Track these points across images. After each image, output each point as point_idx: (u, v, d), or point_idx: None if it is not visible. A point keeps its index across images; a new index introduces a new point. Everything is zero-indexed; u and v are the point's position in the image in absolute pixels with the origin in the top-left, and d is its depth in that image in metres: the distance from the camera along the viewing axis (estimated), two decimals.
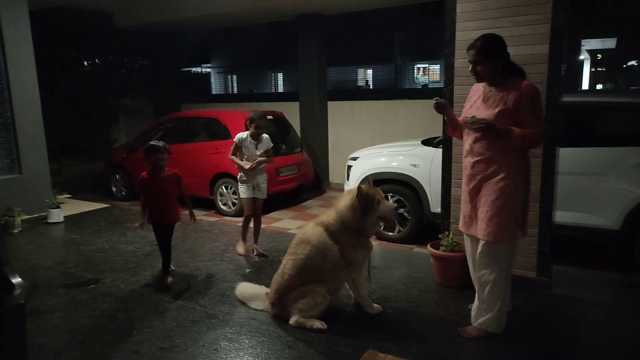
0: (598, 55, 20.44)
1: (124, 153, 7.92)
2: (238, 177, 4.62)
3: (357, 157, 5.83)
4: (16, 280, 2.24)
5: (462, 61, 3.65)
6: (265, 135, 4.54)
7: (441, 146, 4.14)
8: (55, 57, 8.91)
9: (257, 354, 2.85)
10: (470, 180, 2.94)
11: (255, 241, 4.70)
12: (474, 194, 2.93)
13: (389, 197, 5.26)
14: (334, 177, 8.95)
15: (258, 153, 4.50)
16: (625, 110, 4.50)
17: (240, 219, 6.45)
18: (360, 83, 23.31)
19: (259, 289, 3.54)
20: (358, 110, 8.69)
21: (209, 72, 26.26)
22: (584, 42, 13.68)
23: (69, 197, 6.96)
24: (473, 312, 3.05)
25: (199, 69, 24.99)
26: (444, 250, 3.77)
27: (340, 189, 7.95)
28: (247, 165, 4.45)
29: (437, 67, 22.48)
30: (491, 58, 2.80)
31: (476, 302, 3.03)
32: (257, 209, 4.64)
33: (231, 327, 3.18)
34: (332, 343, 2.94)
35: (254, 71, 25.91)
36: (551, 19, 3.41)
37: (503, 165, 2.80)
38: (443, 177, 4.04)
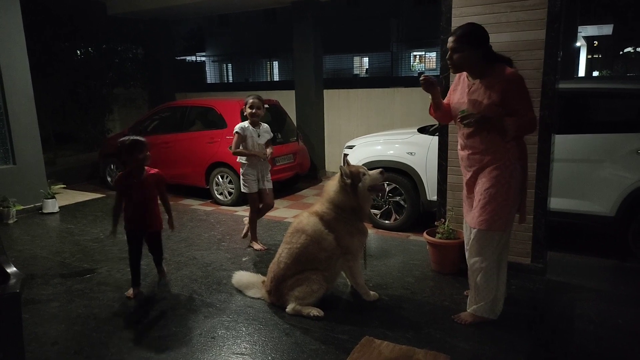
0: (594, 42, 20.40)
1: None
2: (241, 171, 4.42)
3: (354, 146, 5.82)
4: (11, 269, 2.24)
5: None
6: (264, 125, 4.41)
7: (437, 134, 4.13)
8: (48, 46, 8.81)
9: (255, 341, 2.86)
10: (467, 172, 2.94)
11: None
12: (472, 184, 2.94)
13: (385, 185, 5.26)
14: (330, 166, 8.95)
15: (262, 142, 4.34)
16: (620, 97, 4.49)
17: (237, 208, 6.47)
18: (357, 71, 23.20)
19: (256, 277, 3.56)
20: (354, 99, 8.65)
21: (204, 61, 26.07)
22: (580, 28, 13.63)
23: (64, 187, 6.93)
24: (468, 299, 3.08)
25: (193, 58, 24.78)
26: (440, 238, 3.78)
27: None
28: (262, 153, 4.27)
29: (433, 54, 22.40)
30: (470, 46, 2.71)
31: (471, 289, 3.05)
32: (270, 199, 4.48)
33: (228, 315, 3.19)
34: (328, 330, 2.95)
35: (249, 60, 25.74)
36: (548, 5, 3.38)
37: (497, 155, 2.78)
38: (439, 165, 4.04)
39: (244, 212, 6.23)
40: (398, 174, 5.19)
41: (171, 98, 10.17)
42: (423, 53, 23.24)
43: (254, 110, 4.29)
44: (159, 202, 3.56)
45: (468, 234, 3.16)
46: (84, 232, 5.14)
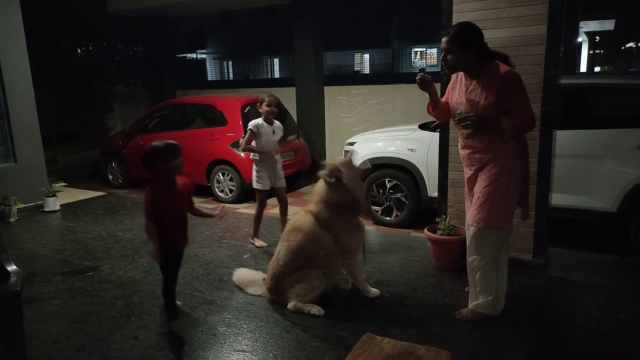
0: (596, 37, 20.32)
1: (120, 141, 7.87)
2: (254, 168, 4.38)
3: (355, 142, 5.81)
4: (12, 267, 2.25)
5: None
6: (277, 122, 4.41)
7: (438, 130, 4.12)
8: (48, 44, 8.80)
9: (256, 338, 2.86)
10: (469, 170, 2.94)
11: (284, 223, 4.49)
12: (472, 182, 2.93)
13: (386, 181, 5.26)
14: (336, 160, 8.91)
15: (276, 139, 4.34)
16: (622, 92, 4.47)
17: (238, 205, 6.47)
18: (357, 68, 23.15)
19: (256, 275, 3.56)
20: (355, 95, 8.63)
21: (205, 58, 26.04)
22: (582, 24, 13.57)
23: (65, 186, 6.94)
24: (469, 295, 3.07)
25: (194, 55, 24.76)
26: (440, 234, 3.78)
27: None
28: (275, 150, 4.31)
29: (434, 50, 22.32)
30: (463, 48, 2.68)
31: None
32: (284, 194, 4.52)
33: (229, 312, 3.19)
34: (329, 327, 2.95)
35: (250, 57, 25.71)
36: (549, 0, 3.36)
37: (497, 153, 2.76)
38: (440, 161, 4.03)
39: (245, 209, 6.24)
40: (399, 170, 5.19)
41: (172, 95, 10.16)
42: (424, 49, 23.16)
43: (271, 108, 4.31)
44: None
45: (469, 231, 3.15)
46: (86, 230, 5.15)
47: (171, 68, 11.19)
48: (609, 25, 16.52)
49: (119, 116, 10.84)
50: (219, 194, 6.79)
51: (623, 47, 19.79)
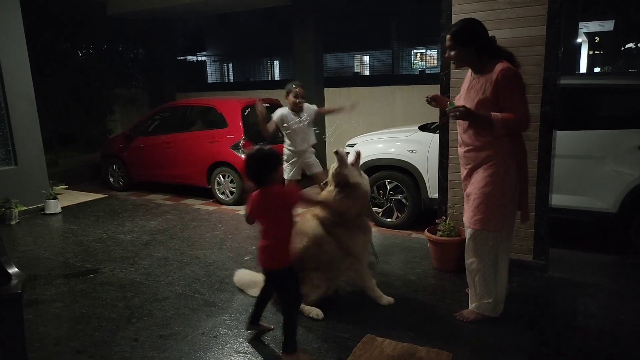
0: (596, 37, 20.32)
1: (121, 143, 7.88)
2: (285, 156, 4.43)
3: (355, 144, 5.80)
4: (13, 270, 2.25)
5: None
6: (306, 105, 4.43)
7: (438, 131, 4.12)
8: (49, 47, 8.82)
9: (257, 340, 2.86)
10: (464, 169, 2.95)
11: None
12: (467, 181, 2.94)
13: (387, 183, 5.26)
14: (331, 164, 8.92)
15: (306, 122, 4.36)
16: (622, 92, 4.47)
17: (239, 207, 6.46)
18: (357, 69, 23.15)
19: (258, 276, 3.54)
20: (355, 97, 8.64)
21: (205, 61, 26.04)
22: (581, 24, 13.57)
23: (66, 188, 6.95)
24: (470, 297, 3.07)
25: (194, 58, 24.77)
26: (441, 235, 3.78)
27: None
28: (297, 148, 4.36)
29: (434, 52, 22.31)
30: (464, 44, 2.73)
31: None
32: (320, 180, 4.19)
33: (230, 314, 3.19)
34: (330, 328, 2.96)
35: (250, 59, 25.71)
36: (548, 0, 3.37)
37: (492, 152, 2.76)
38: (440, 162, 4.04)
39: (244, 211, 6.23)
40: (399, 171, 5.19)
41: (172, 98, 10.17)
42: (424, 51, 23.15)
43: (297, 99, 4.35)
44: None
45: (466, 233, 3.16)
46: (87, 233, 5.15)
47: (171, 70, 11.21)
48: (608, 25, 16.51)
49: (120, 118, 10.86)
50: (220, 196, 6.80)
51: (623, 48, 19.77)
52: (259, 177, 2.54)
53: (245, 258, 4.27)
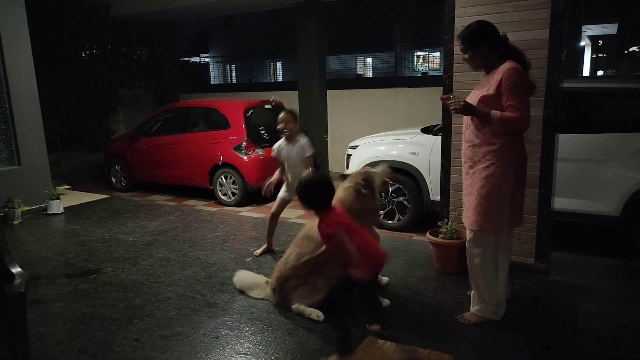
0: (599, 41, 20.30)
1: (124, 144, 7.90)
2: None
3: (357, 146, 5.81)
4: (16, 270, 2.26)
5: None
6: (301, 141, 4.03)
7: (441, 134, 4.13)
8: (53, 48, 8.86)
9: (258, 341, 2.87)
10: (465, 166, 2.96)
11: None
12: (466, 179, 2.95)
13: (389, 185, 5.26)
14: (333, 166, 8.95)
15: (297, 160, 3.99)
16: (625, 96, 4.47)
17: (241, 209, 6.48)
18: (360, 71, 23.17)
19: (258, 278, 3.55)
20: (358, 99, 8.65)
21: (208, 62, 26.11)
22: (585, 28, 13.56)
23: (69, 188, 6.97)
24: (471, 299, 3.07)
25: (197, 59, 24.84)
26: (442, 238, 3.77)
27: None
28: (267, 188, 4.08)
29: (437, 54, 22.32)
30: (474, 46, 2.79)
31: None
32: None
33: (232, 315, 3.20)
34: (331, 330, 2.95)
35: (253, 60, 25.76)
36: (551, 4, 3.37)
37: (490, 151, 2.77)
38: (442, 165, 4.04)
39: (247, 212, 6.25)
40: (401, 174, 5.19)
41: (175, 99, 10.20)
42: (427, 53, 23.17)
43: (280, 127, 3.98)
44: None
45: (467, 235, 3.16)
46: (89, 233, 5.17)
47: (174, 71, 11.25)
48: (611, 29, 16.50)
49: (123, 119, 10.89)
50: (222, 197, 6.81)
51: (626, 51, 19.76)
52: (315, 203, 2.58)
53: (247, 259, 4.27)
